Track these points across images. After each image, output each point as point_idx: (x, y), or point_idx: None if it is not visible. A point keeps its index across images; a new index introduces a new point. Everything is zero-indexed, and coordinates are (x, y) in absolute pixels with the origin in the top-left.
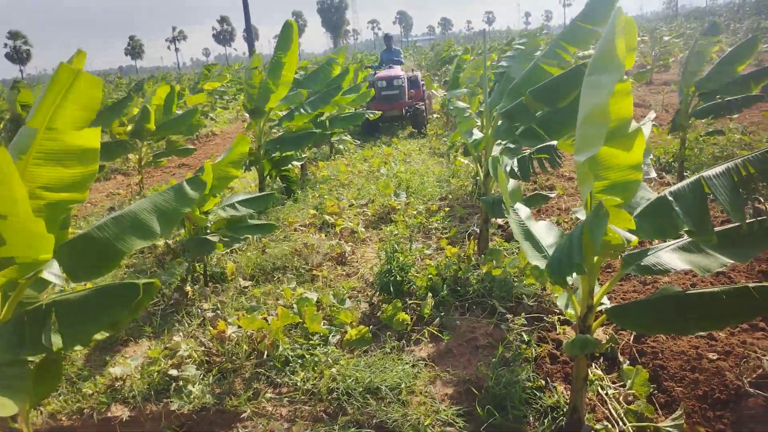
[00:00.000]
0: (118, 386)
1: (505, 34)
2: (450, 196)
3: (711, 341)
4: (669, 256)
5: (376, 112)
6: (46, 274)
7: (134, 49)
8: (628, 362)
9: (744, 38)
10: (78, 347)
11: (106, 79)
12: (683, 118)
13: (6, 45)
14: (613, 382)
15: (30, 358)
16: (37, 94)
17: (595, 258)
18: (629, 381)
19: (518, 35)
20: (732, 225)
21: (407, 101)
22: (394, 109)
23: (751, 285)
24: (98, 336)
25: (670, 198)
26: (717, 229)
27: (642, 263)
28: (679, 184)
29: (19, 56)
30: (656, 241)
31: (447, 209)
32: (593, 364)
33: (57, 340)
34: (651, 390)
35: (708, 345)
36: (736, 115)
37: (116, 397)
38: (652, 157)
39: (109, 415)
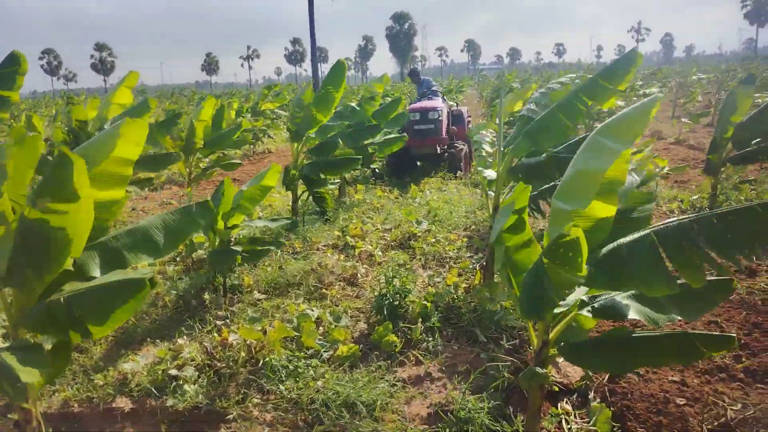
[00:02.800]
0: (126, 381)
1: (575, 67)
2: (473, 227)
3: (683, 387)
4: (621, 303)
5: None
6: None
7: (210, 66)
8: (598, 400)
9: None
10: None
11: (181, 93)
12: (716, 163)
13: (92, 56)
14: (582, 419)
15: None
16: (90, 107)
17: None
18: (594, 418)
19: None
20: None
21: (443, 138)
22: (426, 145)
23: (691, 332)
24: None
25: (625, 253)
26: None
27: (595, 306)
28: (633, 236)
29: (103, 67)
30: None
31: (465, 240)
32: (565, 400)
33: (78, 327)
34: (614, 429)
35: (679, 390)
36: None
37: (122, 391)
38: (679, 202)
39: (113, 406)
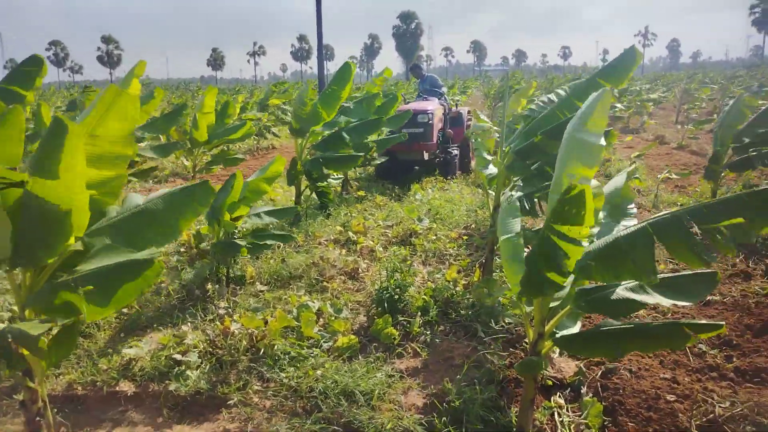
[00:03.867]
0: (130, 366)
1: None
2: (474, 226)
3: (674, 384)
4: (617, 295)
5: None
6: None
7: (216, 61)
8: (590, 395)
9: None
10: (102, 319)
11: (186, 87)
12: (716, 168)
13: (99, 48)
14: (574, 412)
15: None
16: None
17: None
18: (585, 412)
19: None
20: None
21: (431, 144)
22: (412, 151)
23: (681, 321)
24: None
25: (622, 242)
26: (663, 276)
27: (591, 299)
28: (630, 230)
29: (110, 60)
30: None
31: (465, 237)
32: (559, 394)
33: (84, 308)
34: (604, 422)
35: (669, 387)
36: None
37: (126, 375)
38: (679, 206)
39: (117, 389)
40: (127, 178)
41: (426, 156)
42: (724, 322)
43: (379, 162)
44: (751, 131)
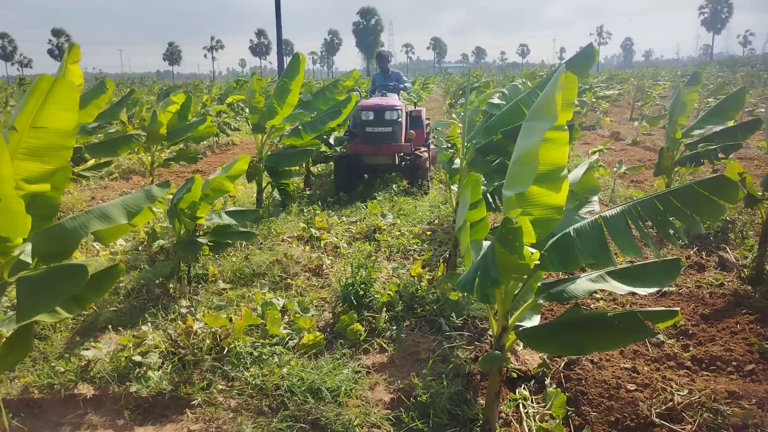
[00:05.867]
0: (89, 368)
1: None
2: (437, 222)
3: (633, 374)
4: (577, 285)
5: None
6: (22, 256)
7: (172, 55)
8: (554, 386)
9: None
10: (45, 319)
11: (142, 82)
12: (668, 164)
13: (50, 41)
14: (538, 403)
15: (3, 330)
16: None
17: (511, 282)
18: (550, 402)
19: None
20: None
21: (403, 144)
22: (380, 154)
23: (637, 310)
24: (62, 310)
25: (573, 235)
26: (626, 265)
27: (552, 291)
28: (582, 222)
29: (60, 53)
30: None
31: (429, 233)
32: (523, 386)
33: (23, 311)
34: (568, 413)
35: (630, 377)
36: (719, 163)
37: (84, 377)
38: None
39: (75, 392)
40: (70, 171)
41: (397, 160)
42: (679, 308)
43: (340, 165)
44: (700, 127)
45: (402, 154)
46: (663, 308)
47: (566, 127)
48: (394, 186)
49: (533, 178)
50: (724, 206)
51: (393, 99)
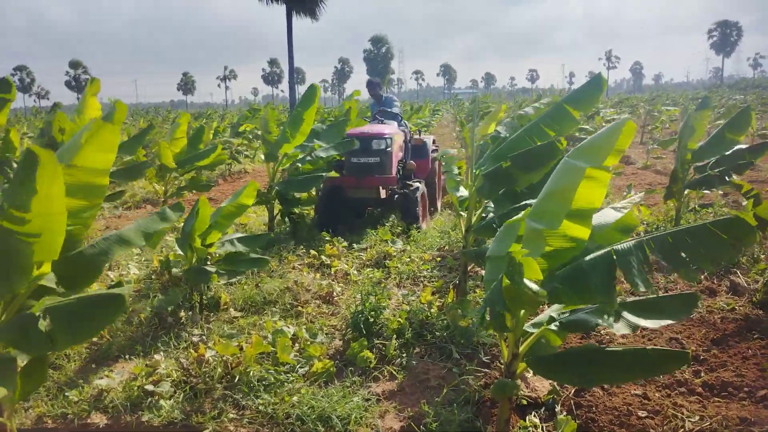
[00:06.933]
0: (101, 397)
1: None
2: (447, 247)
3: (644, 400)
4: (589, 317)
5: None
6: (44, 281)
7: (186, 85)
8: (564, 413)
9: None
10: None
11: (156, 112)
12: (678, 188)
13: (67, 73)
14: (549, 431)
15: (18, 359)
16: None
17: (522, 312)
18: (560, 430)
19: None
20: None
21: (389, 177)
22: (364, 186)
23: (649, 348)
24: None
25: (585, 266)
26: (641, 298)
27: (564, 321)
28: (594, 255)
29: (77, 84)
30: None
31: (439, 259)
32: (534, 413)
33: (51, 341)
34: None
35: (641, 403)
36: (730, 187)
37: (97, 407)
38: (644, 225)
39: (88, 421)
40: (101, 208)
41: (383, 193)
42: (688, 350)
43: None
44: (710, 150)
45: (389, 186)
46: (674, 349)
47: (610, 168)
48: (387, 223)
49: (564, 215)
50: (740, 249)
51: (383, 127)
